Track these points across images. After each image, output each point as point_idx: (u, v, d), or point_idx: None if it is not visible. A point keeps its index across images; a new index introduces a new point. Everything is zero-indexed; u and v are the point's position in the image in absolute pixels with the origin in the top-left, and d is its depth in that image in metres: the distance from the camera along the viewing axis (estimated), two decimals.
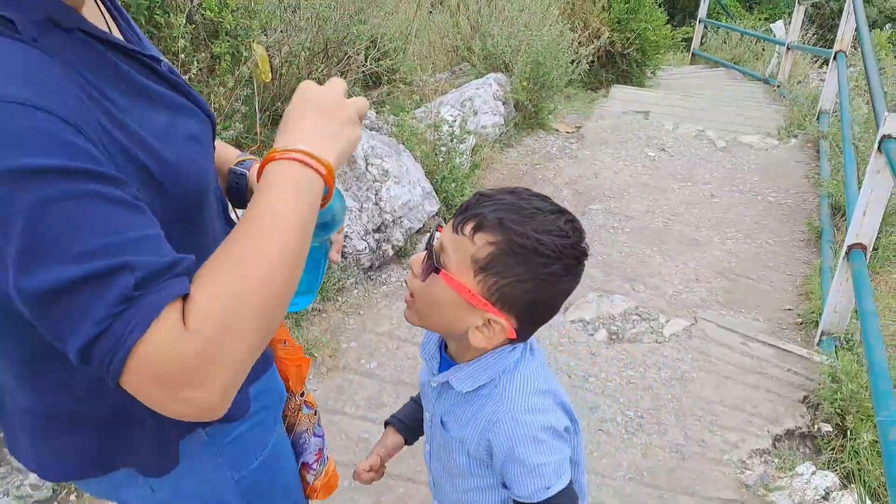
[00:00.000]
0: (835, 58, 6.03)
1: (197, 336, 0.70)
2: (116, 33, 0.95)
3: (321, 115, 0.90)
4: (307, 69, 4.88)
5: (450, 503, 1.21)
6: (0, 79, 0.71)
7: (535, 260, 0.97)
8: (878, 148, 3.01)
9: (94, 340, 0.68)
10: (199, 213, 0.95)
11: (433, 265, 1.02)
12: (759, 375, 3.09)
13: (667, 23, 9.21)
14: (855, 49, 6.21)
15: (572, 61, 6.10)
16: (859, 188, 3.56)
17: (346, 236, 3.23)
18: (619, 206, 4.74)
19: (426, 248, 1.05)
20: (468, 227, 0.99)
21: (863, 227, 3.22)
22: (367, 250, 3.30)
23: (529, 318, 1.04)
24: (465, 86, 5.44)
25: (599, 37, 7.41)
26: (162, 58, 0.98)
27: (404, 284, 3.43)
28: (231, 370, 0.73)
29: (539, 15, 6.29)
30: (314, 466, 1.25)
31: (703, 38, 12.01)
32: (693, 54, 11.75)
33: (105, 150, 0.76)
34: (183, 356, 0.70)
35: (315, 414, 1.25)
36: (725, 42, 11.91)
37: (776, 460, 2.68)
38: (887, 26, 19.43)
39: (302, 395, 1.23)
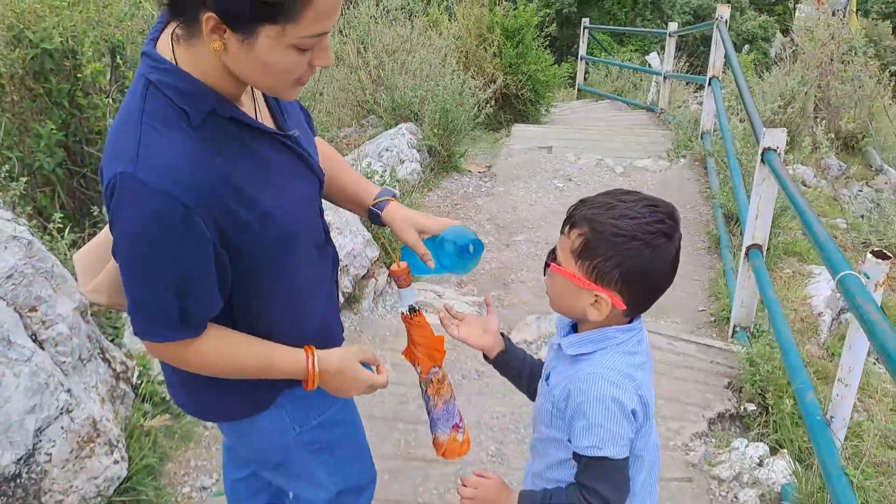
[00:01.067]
0: (709, 83, 6.66)
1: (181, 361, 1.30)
2: (264, 115, 1.28)
3: (340, 381, 1.42)
4: None
5: (534, 453, 1.47)
6: (174, 175, 1.11)
7: (614, 240, 1.22)
8: (762, 160, 3.45)
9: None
10: (288, 248, 1.31)
11: (546, 262, 1.33)
12: (688, 369, 3.44)
13: (553, 63, 9.84)
14: (725, 73, 6.87)
15: (475, 105, 6.50)
16: (748, 196, 4.03)
17: None
18: (539, 235, 5.10)
19: (549, 253, 1.35)
20: (566, 227, 1.29)
21: (756, 229, 3.65)
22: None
23: (632, 289, 1.26)
24: (379, 137, 5.74)
25: (495, 81, 7.88)
26: (295, 133, 1.30)
27: (355, 328, 3.64)
28: (190, 367, 1.31)
29: (438, 66, 6.69)
30: (461, 424, 1.65)
31: (585, 73, 12.81)
32: (579, 89, 12.50)
33: (214, 218, 1.16)
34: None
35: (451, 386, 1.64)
36: (607, 76, 12.74)
37: (714, 440, 3.02)
38: (746, 48, 21.08)
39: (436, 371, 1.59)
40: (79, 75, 3.58)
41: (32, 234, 2.22)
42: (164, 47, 1.16)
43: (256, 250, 1.25)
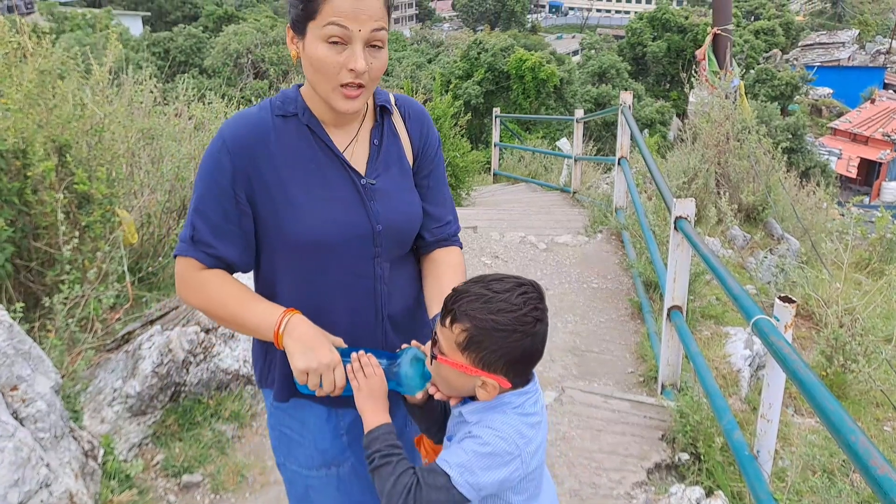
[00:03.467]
0: (619, 163, 7.18)
1: (183, 281, 1.55)
2: (357, 156, 1.60)
3: (301, 345, 1.47)
4: (165, 226, 5.17)
5: None
6: (232, 127, 1.51)
7: (496, 335, 1.33)
8: (675, 227, 3.81)
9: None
10: (317, 257, 1.53)
11: (433, 354, 1.41)
12: (624, 424, 3.68)
13: (470, 150, 10.36)
14: (633, 153, 7.42)
15: None
16: (664, 263, 4.39)
17: (251, 365, 3.54)
18: None
19: (432, 343, 1.43)
20: (447, 321, 1.37)
21: (675, 291, 3.98)
22: None
23: (514, 371, 1.37)
24: None
25: None
26: (371, 181, 1.58)
27: None
28: (185, 297, 1.55)
29: None
30: None
31: (500, 159, 13.43)
32: (494, 174, 13.06)
33: (243, 171, 1.48)
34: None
35: None
36: (520, 160, 13.38)
37: (653, 487, 3.24)
38: (645, 132, 22.51)
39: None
40: (28, 174, 3.69)
41: (12, 319, 2.31)
42: None
43: (282, 243, 1.52)
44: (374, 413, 1.44)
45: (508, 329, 1.33)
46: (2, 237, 3.55)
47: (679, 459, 3.46)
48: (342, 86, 1.45)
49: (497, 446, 1.35)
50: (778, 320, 2.43)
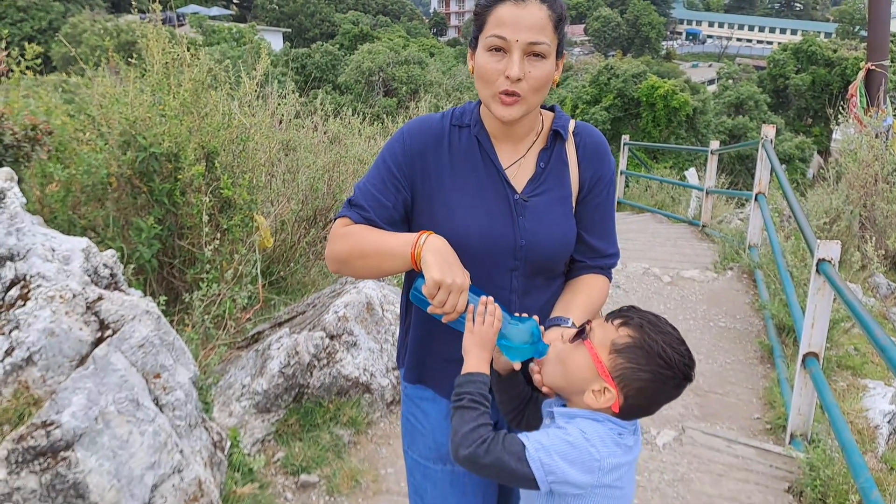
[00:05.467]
0: (756, 199, 6.88)
1: (333, 235, 1.65)
2: (521, 173, 1.65)
3: (436, 258, 1.49)
4: (297, 233, 5.38)
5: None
6: (413, 125, 1.67)
7: (656, 360, 1.36)
8: (817, 270, 3.61)
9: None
10: (460, 256, 1.53)
11: (583, 335, 1.44)
12: (747, 472, 3.50)
13: None
14: (769, 189, 7.10)
15: None
16: (801, 307, 4.15)
17: (371, 374, 3.61)
18: None
19: (581, 327, 1.46)
20: (617, 321, 1.41)
21: (813, 337, 3.76)
22: (390, 386, 3.67)
23: (633, 401, 1.40)
24: None
25: None
26: (524, 198, 1.62)
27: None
28: (332, 249, 1.63)
29: None
30: None
31: (626, 187, 13.19)
32: (619, 202, 12.83)
33: (411, 164, 1.63)
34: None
35: None
36: (647, 189, 13.09)
37: None
38: (783, 167, 21.45)
39: None
40: (179, 176, 3.94)
41: (159, 310, 2.46)
42: None
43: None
44: (477, 359, 1.48)
45: (668, 364, 1.36)
46: (150, 234, 3.79)
47: None
48: (500, 93, 1.51)
49: (579, 442, 1.38)
50: None
